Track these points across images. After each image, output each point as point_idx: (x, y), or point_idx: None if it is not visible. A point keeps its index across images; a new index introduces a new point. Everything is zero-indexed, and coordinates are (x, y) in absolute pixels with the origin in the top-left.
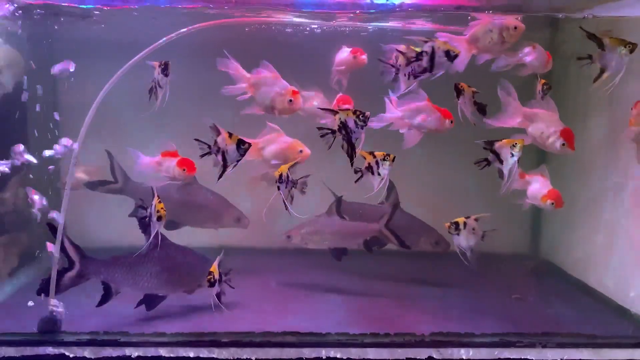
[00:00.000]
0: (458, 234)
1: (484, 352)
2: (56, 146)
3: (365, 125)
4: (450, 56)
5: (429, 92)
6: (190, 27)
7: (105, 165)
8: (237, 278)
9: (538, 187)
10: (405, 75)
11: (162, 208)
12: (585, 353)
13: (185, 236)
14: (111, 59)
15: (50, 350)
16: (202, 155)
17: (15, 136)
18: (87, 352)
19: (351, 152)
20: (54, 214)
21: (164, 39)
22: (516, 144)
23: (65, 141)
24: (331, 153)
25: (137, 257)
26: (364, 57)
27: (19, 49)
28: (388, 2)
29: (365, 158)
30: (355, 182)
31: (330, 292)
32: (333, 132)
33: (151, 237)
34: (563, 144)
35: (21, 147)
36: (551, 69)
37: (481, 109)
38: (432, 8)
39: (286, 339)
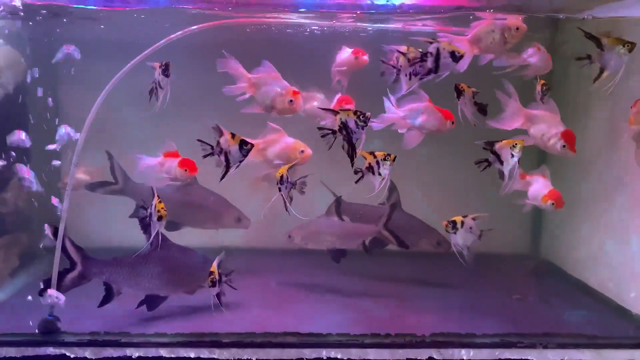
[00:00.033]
0: (455, 233)
1: (484, 352)
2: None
3: (366, 125)
4: (456, 57)
5: (430, 93)
6: (190, 28)
7: (106, 165)
8: (238, 278)
9: (538, 187)
10: (406, 75)
11: (162, 208)
12: (586, 354)
13: (191, 236)
14: (113, 59)
15: (51, 350)
16: (205, 156)
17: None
18: (88, 352)
19: (352, 153)
20: (55, 201)
21: (164, 40)
22: (516, 144)
23: (64, 129)
24: (336, 154)
25: (139, 257)
26: (366, 57)
27: (20, 50)
28: (388, 3)
29: (365, 158)
30: (356, 182)
31: (330, 292)
32: (334, 132)
33: (151, 237)
34: (564, 146)
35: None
36: (551, 69)
37: (482, 109)
38: (432, 9)
39: (287, 340)
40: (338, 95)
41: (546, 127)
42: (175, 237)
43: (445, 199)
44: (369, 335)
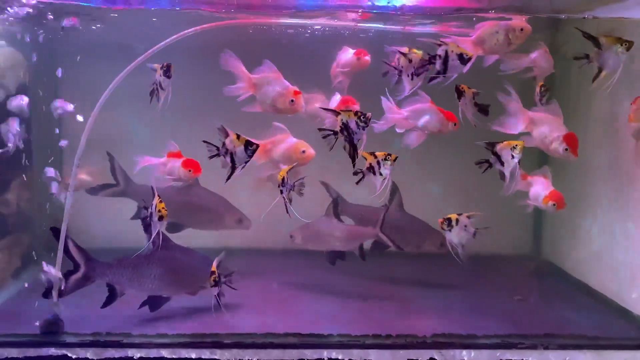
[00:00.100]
0: (450, 231)
1: (485, 353)
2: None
3: (367, 126)
4: (464, 59)
5: (430, 93)
6: (190, 29)
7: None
8: (239, 279)
9: (540, 188)
10: (408, 76)
11: (163, 208)
12: (587, 355)
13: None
14: (114, 60)
15: (53, 351)
16: (211, 157)
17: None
18: (89, 353)
19: (353, 153)
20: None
21: (163, 42)
22: (516, 145)
23: (58, 102)
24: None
25: (142, 259)
26: (368, 58)
27: (22, 51)
28: (389, 4)
29: (366, 159)
30: (357, 183)
31: (332, 293)
32: (335, 133)
33: (152, 236)
34: (566, 149)
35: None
36: (552, 70)
37: (483, 110)
38: (432, 10)
39: (288, 340)
40: (337, 96)
41: (548, 130)
42: (182, 238)
43: (447, 199)
44: (370, 336)
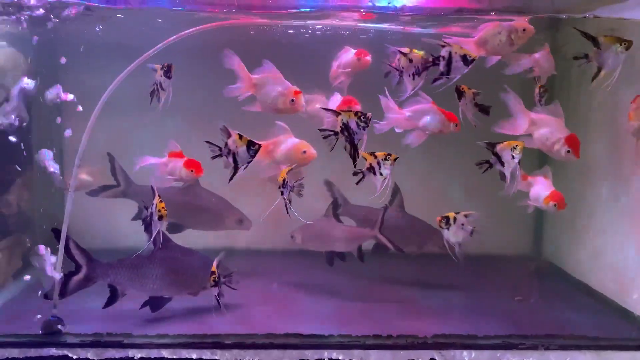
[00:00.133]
0: (448, 229)
1: (486, 354)
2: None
3: (367, 126)
4: (467, 61)
5: (430, 94)
6: (190, 30)
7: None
8: (240, 280)
9: (540, 188)
10: (409, 76)
11: (163, 207)
12: (588, 355)
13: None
14: (114, 60)
15: (54, 351)
16: (214, 157)
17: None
18: (90, 353)
19: (354, 154)
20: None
21: (161, 44)
22: (516, 146)
23: (55, 89)
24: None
25: (144, 259)
26: (369, 58)
27: (23, 52)
28: (390, 5)
29: (366, 159)
30: (357, 183)
31: (332, 293)
32: (336, 133)
33: (153, 236)
34: (568, 151)
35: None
36: (554, 71)
37: (483, 110)
38: (432, 11)
39: (289, 341)
40: (338, 96)
41: (550, 132)
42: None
43: (448, 199)
44: (370, 337)
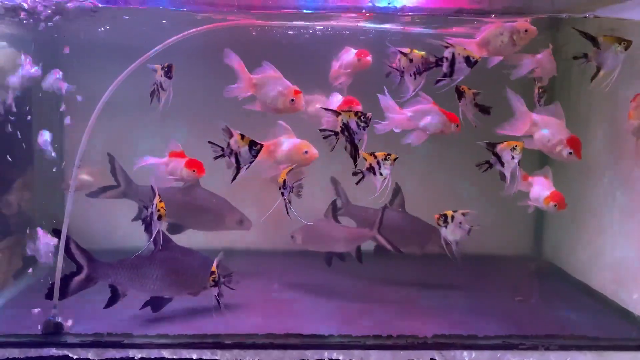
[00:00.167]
0: (446, 227)
1: (486, 354)
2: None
3: (367, 126)
4: (471, 62)
5: (430, 94)
6: (190, 31)
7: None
8: (240, 280)
9: (541, 189)
10: (411, 75)
11: (162, 207)
12: (588, 356)
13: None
14: (115, 61)
15: (54, 351)
16: (216, 158)
17: (20, 138)
18: (90, 353)
19: (354, 154)
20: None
21: (161, 45)
22: (516, 146)
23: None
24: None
25: (145, 259)
26: (369, 58)
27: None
28: (390, 5)
29: (366, 159)
30: (356, 183)
31: (333, 294)
32: (336, 133)
33: (153, 235)
34: (570, 153)
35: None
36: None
37: (483, 111)
38: (433, 11)
39: (289, 341)
40: (339, 96)
41: (552, 134)
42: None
43: (448, 200)
44: (371, 337)
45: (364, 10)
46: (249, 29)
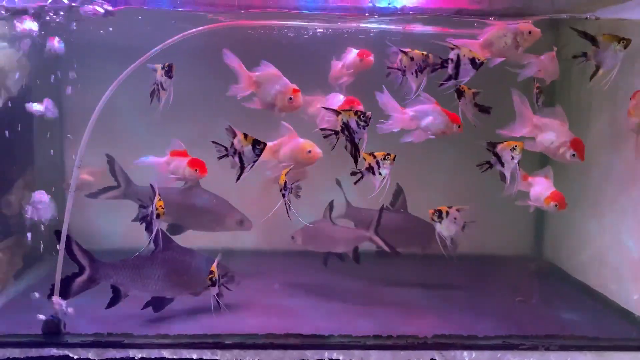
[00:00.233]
0: (440, 222)
1: (486, 354)
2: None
3: (367, 125)
4: (476, 64)
5: (430, 93)
6: (193, 31)
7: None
8: (240, 280)
9: (541, 188)
10: (413, 74)
11: (161, 206)
12: (588, 356)
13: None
14: (113, 61)
15: (55, 351)
16: (220, 157)
17: (21, 139)
18: (91, 353)
19: (355, 153)
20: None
21: (161, 45)
22: (516, 146)
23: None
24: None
25: (146, 260)
26: (371, 58)
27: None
28: (390, 6)
29: (365, 159)
30: (355, 183)
31: (333, 294)
32: (336, 133)
33: (152, 235)
34: (573, 155)
35: None
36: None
37: (483, 110)
38: (433, 12)
39: (289, 341)
40: (340, 96)
41: (555, 136)
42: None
43: (448, 200)
44: (371, 337)
45: (366, 13)
46: (248, 29)
